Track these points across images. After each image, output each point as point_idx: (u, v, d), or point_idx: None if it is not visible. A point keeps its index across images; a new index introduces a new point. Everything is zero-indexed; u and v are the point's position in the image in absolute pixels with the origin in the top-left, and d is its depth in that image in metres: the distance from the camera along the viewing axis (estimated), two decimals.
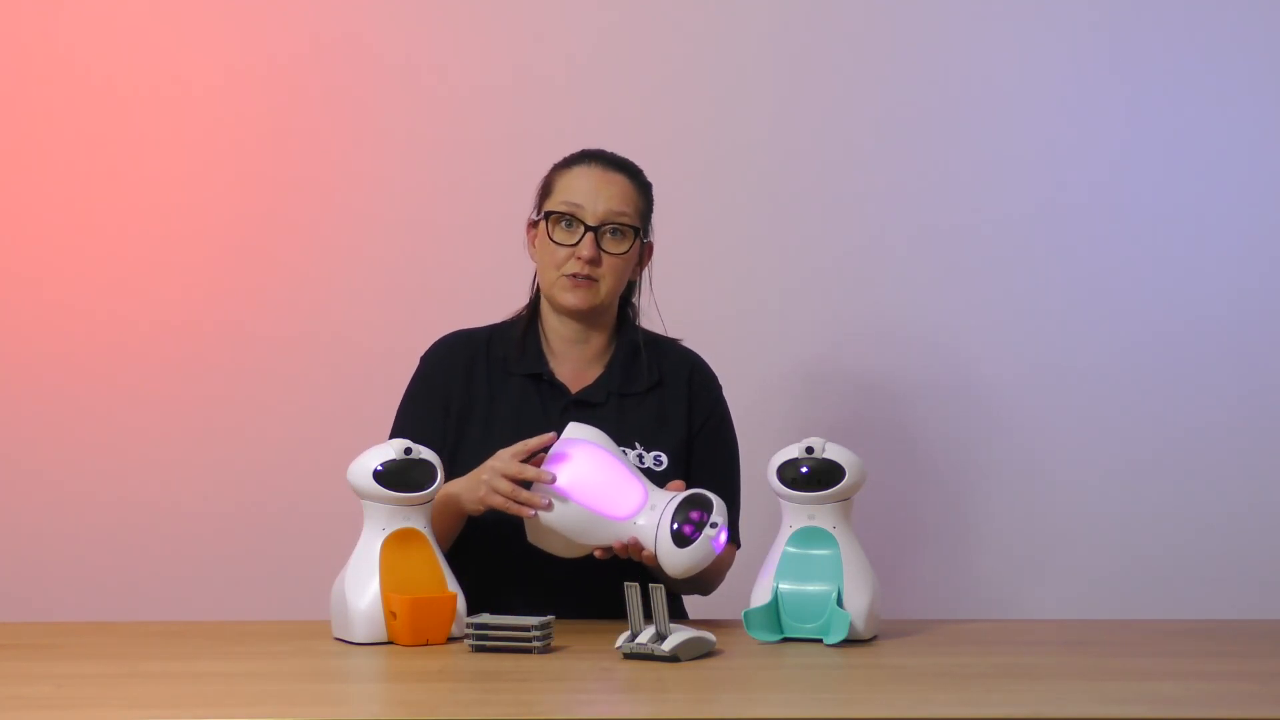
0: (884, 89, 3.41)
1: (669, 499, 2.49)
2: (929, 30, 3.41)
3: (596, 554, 2.52)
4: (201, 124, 3.41)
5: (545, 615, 2.36)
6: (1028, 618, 3.31)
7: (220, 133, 3.41)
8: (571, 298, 2.70)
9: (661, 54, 3.41)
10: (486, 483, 2.52)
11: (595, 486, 2.51)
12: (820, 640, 2.41)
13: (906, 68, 3.41)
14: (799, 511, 2.47)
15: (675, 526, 2.46)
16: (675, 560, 2.46)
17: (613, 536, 2.49)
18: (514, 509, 2.50)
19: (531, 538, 2.53)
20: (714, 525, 2.45)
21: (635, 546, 2.49)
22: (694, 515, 2.46)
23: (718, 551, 2.47)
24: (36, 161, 3.41)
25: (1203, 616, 3.01)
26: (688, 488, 2.52)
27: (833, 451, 2.46)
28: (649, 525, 2.48)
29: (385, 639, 2.41)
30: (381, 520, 2.45)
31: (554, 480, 2.48)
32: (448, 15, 3.42)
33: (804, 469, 2.46)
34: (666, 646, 2.26)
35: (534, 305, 2.78)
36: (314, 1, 3.41)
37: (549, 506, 2.48)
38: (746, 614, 2.43)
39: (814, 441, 2.47)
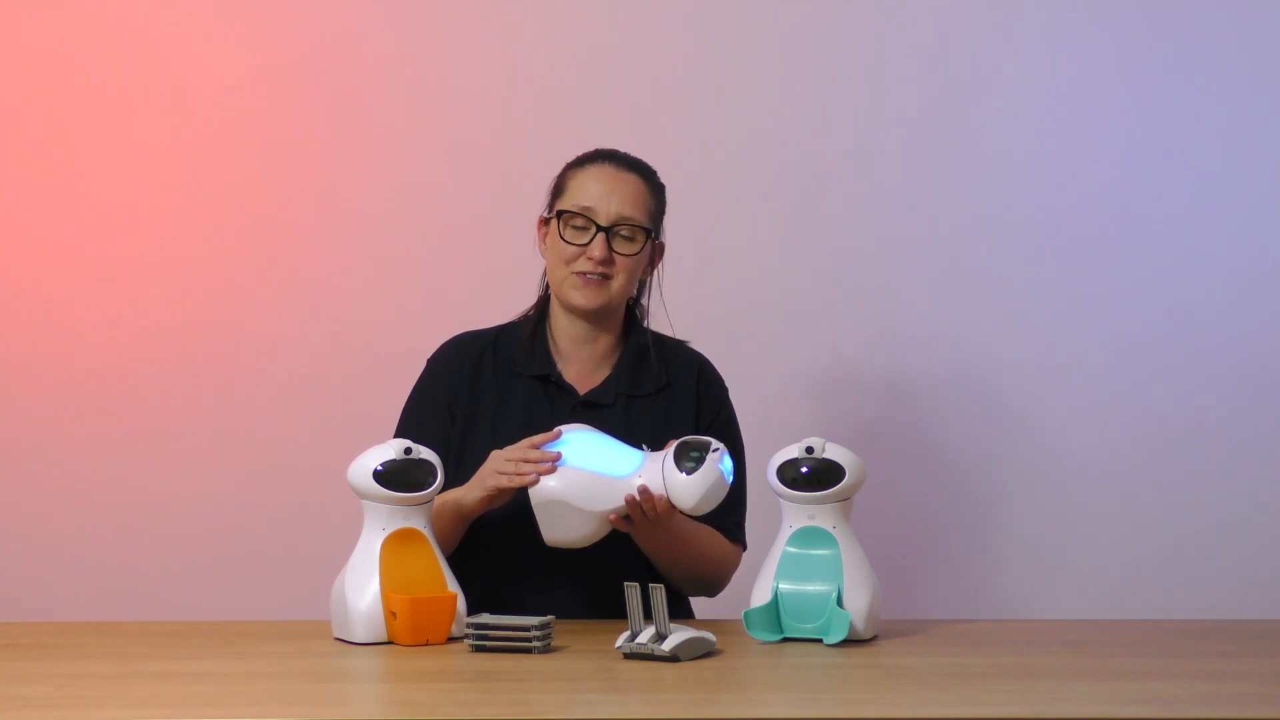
0: (892, 89, 3.40)
1: (666, 450, 2.51)
2: (946, 27, 3.41)
3: (611, 520, 2.51)
4: (203, 124, 3.41)
5: (545, 615, 2.36)
6: (1028, 618, 3.30)
7: (222, 133, 3.41)
8: (581, 296, 2.69)
9: (669, 53, 3.41)
10: (489, 469, 2.54)
11: (594, 453, 2.52)
12: (820, 640, 2.41)
13: (916, 66, 3.40)
14: (799, 511, 2.47)
15: (679, 465, 2.47)
16: (689, 491, 2.46)
17: (620, 494, 2.49)
18: (519, 481, 2.50)
19: (547, 536, 2.52)
20: (715, 450, 2.47)
21: (645, 494, 2.47)
22: (693, 452, 2.48)
23: (728, 479, 2.48)
24: (36, 161, 3.41)
25: (1203, 616, 3.01)
26: None
27: (832, 451, 2.46)
28: (653, 472, 2.48)
29: (385, 639, 2.41)
30: (381, 520, 2.45)
31: (558, 458, 2.50)
32: (452, 14, 3.41)
33: (804, 469, 2.46)
34: (666, 646, 2.26)
35: (542, 305, 2.78)
36: (317, 1, 3.42)
37: (553, 469, 2.49)
38: (746, 614, 2.43)
39: (814, 441, 2.47)
